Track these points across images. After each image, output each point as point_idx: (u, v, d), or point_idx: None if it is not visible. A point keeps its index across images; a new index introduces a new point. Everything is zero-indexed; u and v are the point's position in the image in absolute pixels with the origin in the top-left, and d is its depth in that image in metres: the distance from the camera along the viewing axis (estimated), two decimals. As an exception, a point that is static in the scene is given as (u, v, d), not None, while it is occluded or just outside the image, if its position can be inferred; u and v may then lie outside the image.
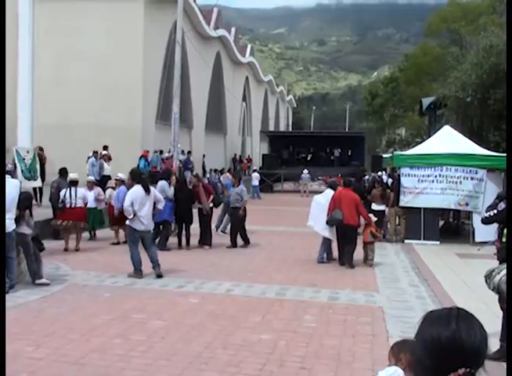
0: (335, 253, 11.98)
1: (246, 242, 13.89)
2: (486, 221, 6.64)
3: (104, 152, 19.86)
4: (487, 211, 6.65)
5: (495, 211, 6.47)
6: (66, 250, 12.27)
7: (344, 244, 11.55)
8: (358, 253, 11.71)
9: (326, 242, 11.94)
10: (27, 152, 14.74)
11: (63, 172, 13.67)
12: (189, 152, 28.60)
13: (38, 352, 5.85)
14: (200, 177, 15.46)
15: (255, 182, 30.79)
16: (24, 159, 14.43)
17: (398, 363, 2.89)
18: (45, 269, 9.24)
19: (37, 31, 24.99)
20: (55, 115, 24.74)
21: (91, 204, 13.52)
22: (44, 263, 9.31)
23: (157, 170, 19.82)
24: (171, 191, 13.19)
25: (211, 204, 13.86)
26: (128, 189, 10.74)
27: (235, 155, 44.33)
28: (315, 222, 11.99)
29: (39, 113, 25.00)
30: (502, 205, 7.01)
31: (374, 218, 12.22)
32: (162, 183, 13.06)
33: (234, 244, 13.67)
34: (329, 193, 12.12)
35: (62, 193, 12.66)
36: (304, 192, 32.36)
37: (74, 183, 12.83)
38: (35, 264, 8.95)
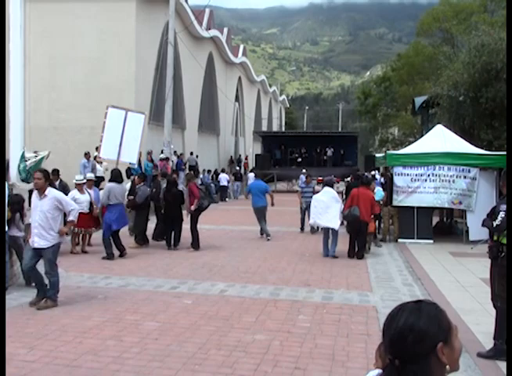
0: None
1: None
2: (496, 229, 6.17)
3: (96, 153, 19.75)
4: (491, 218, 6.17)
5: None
6: (71, 252, 12.43)
7: (357, 238, 12.46)
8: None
9: (336, 236, 12.48)
10: (35, 156, 14.63)
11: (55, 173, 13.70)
12: (182, 154, 28.65)
13: (31, 354, 5.83)
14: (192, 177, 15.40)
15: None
16: (27, 161, 14.32)
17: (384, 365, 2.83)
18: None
19: (28, 32, 24.84)
20: (47, 117, 24.64)
21: None
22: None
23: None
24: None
25: (193, 207, 13.49)
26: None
27: (239, 156, 46.39)
28: (319, 218, 12.50)
29: (31, 115, 24.86)
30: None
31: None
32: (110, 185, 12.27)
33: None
34: (328, 190, 12.70)
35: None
36: None
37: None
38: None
